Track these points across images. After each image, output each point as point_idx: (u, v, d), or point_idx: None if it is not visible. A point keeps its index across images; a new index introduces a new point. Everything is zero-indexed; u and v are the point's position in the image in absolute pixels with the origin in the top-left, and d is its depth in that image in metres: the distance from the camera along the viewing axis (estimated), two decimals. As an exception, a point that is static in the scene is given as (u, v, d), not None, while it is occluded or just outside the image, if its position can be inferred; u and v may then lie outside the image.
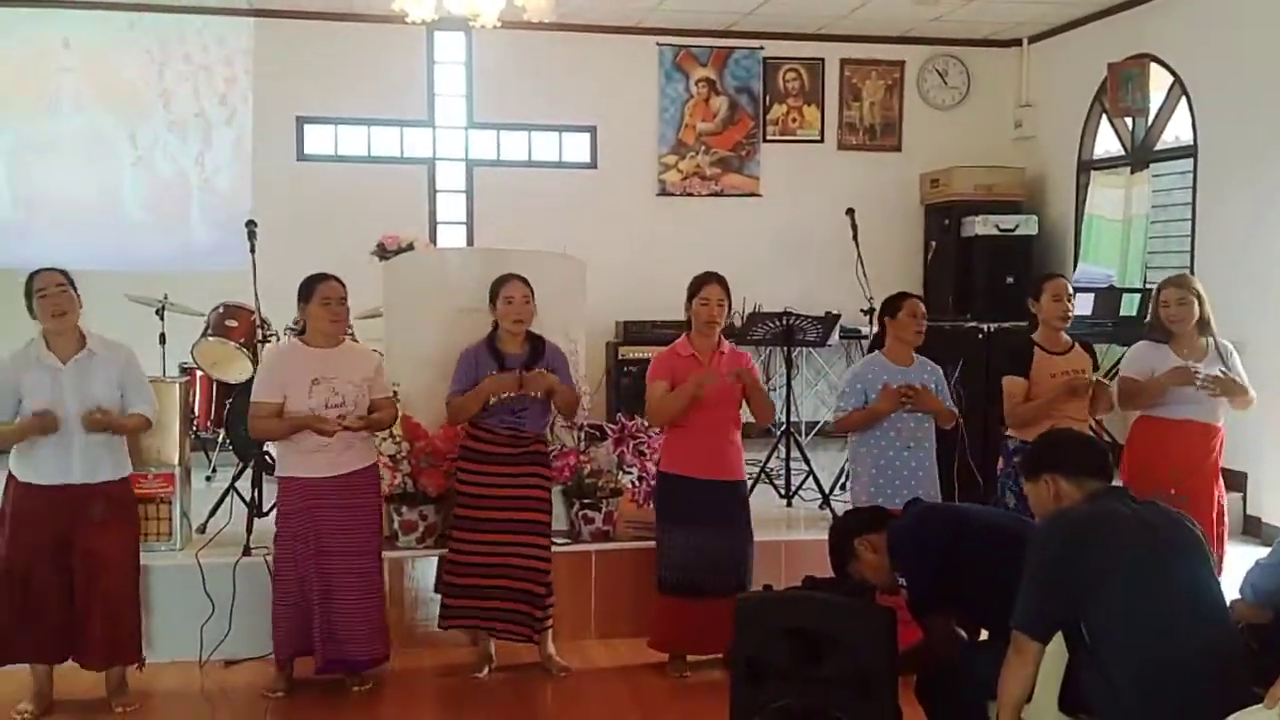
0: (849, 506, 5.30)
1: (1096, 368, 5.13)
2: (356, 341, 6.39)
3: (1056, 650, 3.12)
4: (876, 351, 5.08)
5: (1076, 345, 5.06)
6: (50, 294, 4.29)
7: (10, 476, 4.38)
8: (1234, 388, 4.86)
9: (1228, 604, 3.29)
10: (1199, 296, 4.94)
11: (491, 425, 4.86)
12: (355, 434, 4.63)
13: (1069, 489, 3.23)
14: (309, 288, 4.65)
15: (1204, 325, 4.95)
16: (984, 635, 3.93)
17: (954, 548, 3.72)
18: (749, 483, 6.20)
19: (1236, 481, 6.65)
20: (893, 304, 5.03)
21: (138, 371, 4.54)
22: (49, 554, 4.32)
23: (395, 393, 5.48)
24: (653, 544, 5.10)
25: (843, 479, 6.71)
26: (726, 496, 4.87)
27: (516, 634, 4.88)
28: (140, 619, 4.60)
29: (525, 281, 4.88)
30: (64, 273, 4.38)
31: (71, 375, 4.31)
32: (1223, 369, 4.89)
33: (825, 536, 4.64)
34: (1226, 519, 5.12)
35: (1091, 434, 4.57)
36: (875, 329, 5.37)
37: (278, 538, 4.68)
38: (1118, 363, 6.98)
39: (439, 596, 5.00)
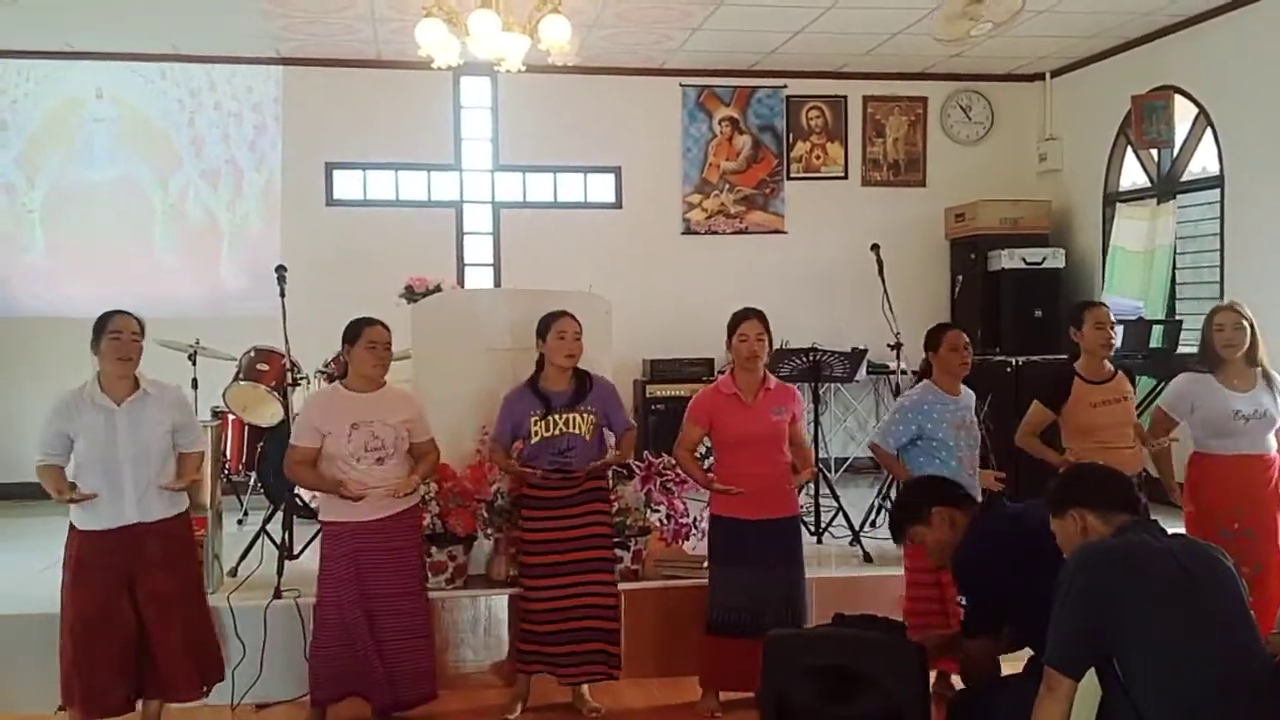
0: (888, 537, 5.28)
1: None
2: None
3: (1089, 687, 3.09)
4: (928, 380, 5.01)
5: (1119, 374, 5.03)
6: (123, 339, 4.33)
7: (71, 527, 4.39)
8: None
9: (1262, 636, 3.24)
10: (1251, 323, 4.93)
11: (541, 469, 4.83)
12: (401, 475, 4.62)
13: (1096, 523, 3.21)
14: (355, 330, 4.66)
15: (1253, 353, 4.92)
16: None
17: (1030, 561, 3.60)
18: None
19: None
20: (934, 338, 5.00)
21: (188, 411, 4.60)
22: (118, 598, 4.33)
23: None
24: (683, 582, 5.08)
25: (873, 515, 6.68)
26: (779, 534, 4.83)
27: (594, 674, 4.85)
28: (219, 644, 4.69)
29: (575, 318, 4.89)
30: (140, 320, 4.41)
31: (125, 417, 4.32)
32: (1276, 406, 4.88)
33: (856, 573, 4.63)
34: None
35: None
36: (915, 361, 5.35)
37: (322, 582, 4.67)
38: (1149, 394, 6.98)
39: (473, 639, 4.99)
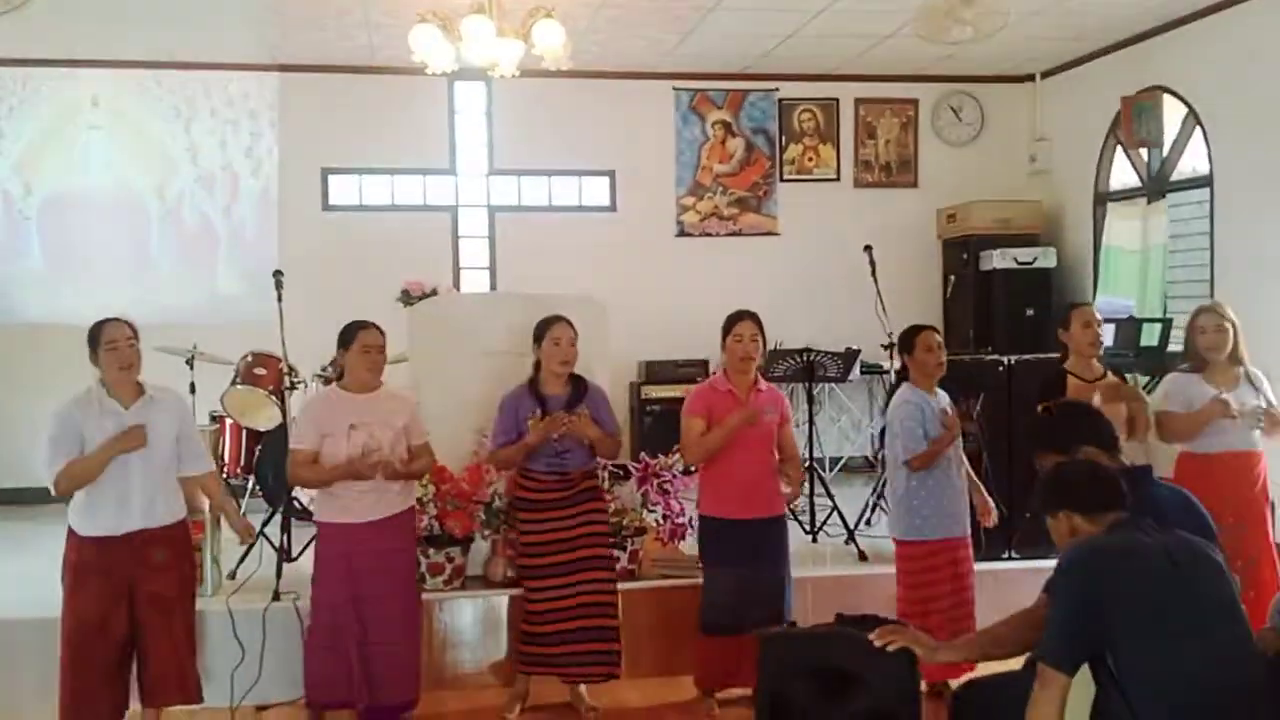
0: (883, 535, 5.31)
1: None
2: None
3: (1083, 683, 3.12)
4: (908, 384, 5.05)
5: (1109, 374, 5.06)
6: (120, 348, 4.35)
7: (70, 533, 4.40)
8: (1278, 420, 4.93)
9: (1255, 633, 3.28)
10: (1234, 324, 4.98)
11: (537, 472, 4.89)
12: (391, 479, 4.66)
13: (1084, 524, 3.23)
14: (350, 334, 4.70)
15: (1235, 353, 4.98)
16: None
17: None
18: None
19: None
20: (908, 340, 5.04)
21: (192, 423, 4.69)
22: (117, 605, 4.34)
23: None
24: (679, 582, 5.12)
25: (867, 513, 6.72)
26: (766, 533, 4.87)
27: (596, 675, 4.89)
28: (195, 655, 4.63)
29: (571, 324, 4.93)
30: (131, 325, 4.43)
31: (135, 420, 4.35)
32: (1262, 401, 4.94)
33: (851, 571, 4.62)
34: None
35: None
36: (897, 364, 5.37)
37: (316, 582, 4.70)
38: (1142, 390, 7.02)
39: (471, 640, 5.03)
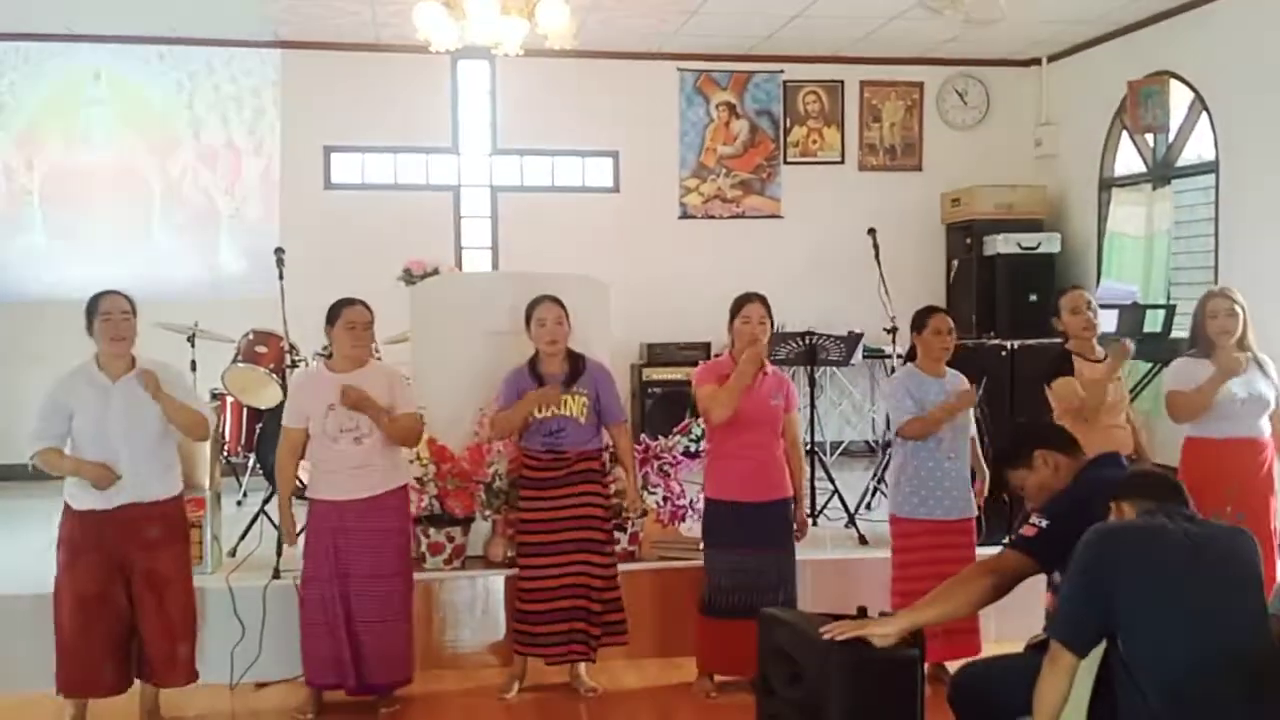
0: (884, 519, 5.30)
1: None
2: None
3: (1088, 662, 3.12)
4: (910, 364, 5.07)
5: (1109, 356, 5.05)
6: (114, 319, 4.36)
7: (65, 507, 4.41)
8: None
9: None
10: (1243, 308, 4.97)
11: (534, 450, 4.90)
12: (382, 455, 4.65)
13: (1128, 509, 3.25)
14: (335, 312, 4.70)
15: (1243, 339, 4.97)
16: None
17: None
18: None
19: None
20: (920, 320, 5.04)
21: (188, 390, 4.62)
22: (113, 580, 4.35)
23: (421, 416, 5.56)
24: (679, 564, 5.12)
25: (868, 497, 6.72)
26: (772, 516, 4.86)
27: (575, 655, 4.89)
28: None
29: (558, 302, 4.92)
30: (129, 299, 4.43)
31: (120, 393, 4.35)
32: (1270, 389, 4.94)
33: (851, 555, 4.60)
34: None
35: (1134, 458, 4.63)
36: (903, 346, 5.37)
37: (305, 558, 4.71)
38: (1144, 377, 7.03)
39: (470, 619, 5.04)
